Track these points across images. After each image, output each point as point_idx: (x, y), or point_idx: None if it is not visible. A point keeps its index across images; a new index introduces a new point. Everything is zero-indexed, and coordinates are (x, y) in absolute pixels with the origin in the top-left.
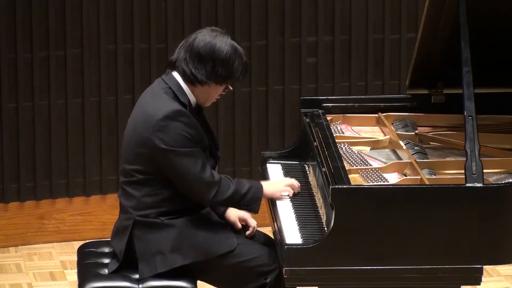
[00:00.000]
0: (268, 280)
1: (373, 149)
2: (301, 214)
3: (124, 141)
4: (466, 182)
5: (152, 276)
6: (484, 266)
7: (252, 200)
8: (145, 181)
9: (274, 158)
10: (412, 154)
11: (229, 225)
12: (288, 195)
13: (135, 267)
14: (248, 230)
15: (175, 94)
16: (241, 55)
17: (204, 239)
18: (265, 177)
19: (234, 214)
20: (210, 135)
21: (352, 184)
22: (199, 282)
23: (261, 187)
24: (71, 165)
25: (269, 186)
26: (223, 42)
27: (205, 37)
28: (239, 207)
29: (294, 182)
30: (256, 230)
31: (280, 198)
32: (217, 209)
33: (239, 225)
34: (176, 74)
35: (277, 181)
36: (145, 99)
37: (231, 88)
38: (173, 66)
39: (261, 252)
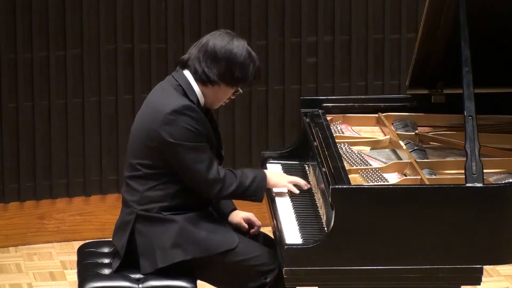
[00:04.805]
0: (268, 279)
1: (373, 149)
2: (301, 214)
3: (131, 136)
4: (466, 182)
5: (153, 273)
6: (484, 266)
7: (256, 190)
8: (150, 176)
9: (274, 158)
10: (412, 154)
11: (230, 224)
12: (289, 192)
13: (136, 266)
14: (253, 228)
15: (185, 91)
16: (255, 60)
17: (206, 236)
18: None
19: (238, 215)
20: (217, 134)
21: (352, 184)
22: (199, 282)
23: (265, 176)
24: (71, 165)
25: (273, 176)
26: (240, 46)
27: (222, 38)
28: (244, 198)
29: (300, 180)
30: None
31: (280, 189)
32: (221, 210)
33: (245, 226)
34: (187, 73)
35: (282, 174)
36: (154, 95)
37: (241, 91)
38: (185, 65)
39: (261, 251)
